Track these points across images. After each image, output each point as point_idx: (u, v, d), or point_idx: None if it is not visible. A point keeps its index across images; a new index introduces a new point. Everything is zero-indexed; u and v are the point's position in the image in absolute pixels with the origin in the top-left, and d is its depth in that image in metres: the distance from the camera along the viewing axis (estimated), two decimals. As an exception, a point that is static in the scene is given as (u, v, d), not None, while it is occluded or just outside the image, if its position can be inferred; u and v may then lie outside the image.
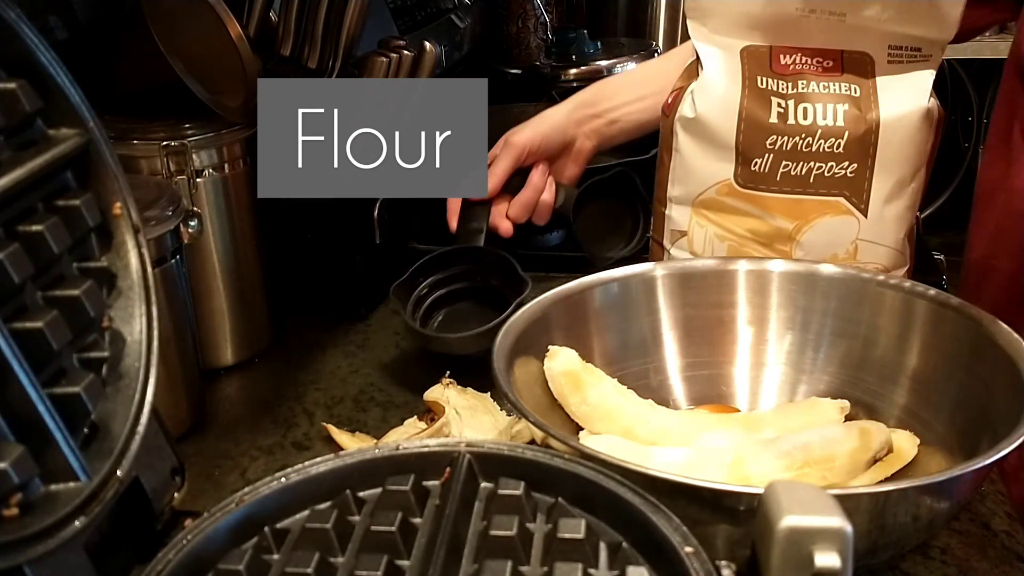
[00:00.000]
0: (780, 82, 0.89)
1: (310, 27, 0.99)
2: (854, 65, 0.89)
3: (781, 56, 0.89)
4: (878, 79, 0.88)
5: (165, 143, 0.88)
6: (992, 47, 2.17)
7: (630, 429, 0.76)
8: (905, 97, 0.88)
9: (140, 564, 0.52)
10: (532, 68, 1.77)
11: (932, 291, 0.80)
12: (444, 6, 1.60)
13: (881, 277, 0.83)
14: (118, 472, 0.53)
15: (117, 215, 0.58)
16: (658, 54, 1.93)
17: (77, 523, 0.49)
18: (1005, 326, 0.72)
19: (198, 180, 0.91)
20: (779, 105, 0.88)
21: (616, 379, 0.81)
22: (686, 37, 0.96)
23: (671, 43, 2.06)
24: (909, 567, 0.68)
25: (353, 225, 1.07)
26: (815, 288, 0.84)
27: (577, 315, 0.83)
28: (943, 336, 0.77)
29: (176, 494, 0.61)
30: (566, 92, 1.78)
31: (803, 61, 0.89)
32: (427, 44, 1.04)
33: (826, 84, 0.88)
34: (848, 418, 0.78)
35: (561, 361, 0.77)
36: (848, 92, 0.88)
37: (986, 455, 0.60)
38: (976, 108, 2.45)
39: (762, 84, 0.89)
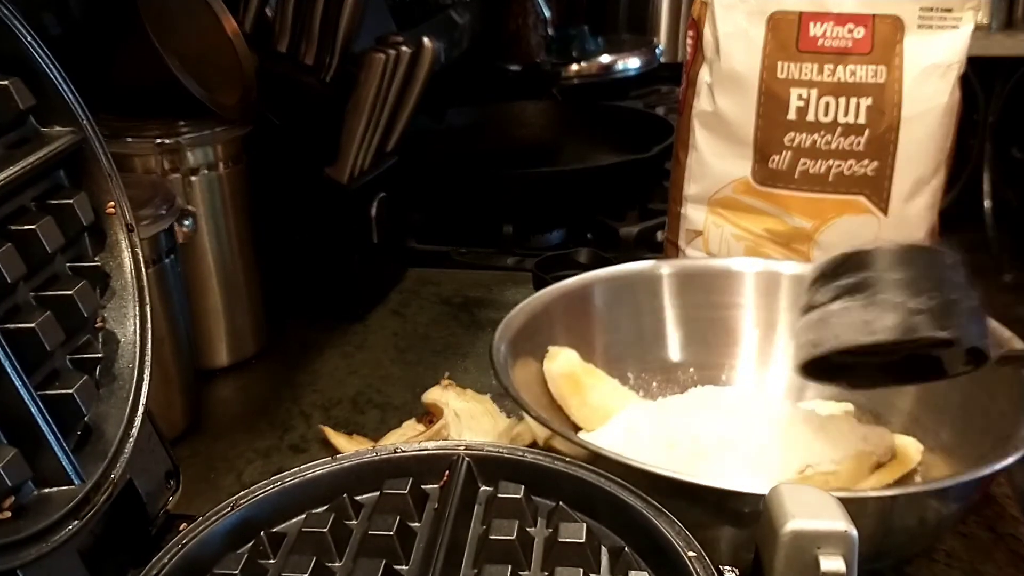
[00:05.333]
0: (804, 67, 0.88)
1: (306, 23, 0.98)
2: (884, 34, 0.87)
3: (811, 24, 0.88)
4: (906, 60, 0.87)
5: (159, 141, 0.88)
6: (999, 44, 2.16)
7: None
8: (929, 88, 0.87)
9: (135, 568, 0.51)
10: (533, 65, 1.76)
11: None
12: (443, 2, 1.59)
13: None
14: (112, 475, 0.52)
15: (111, 214, 0.57)
16: (660, 51, 1.93)
17: (70, 527, 0.48)
18: (1009, 332, 0.72)
19: (193, 179, 0.90)
20: (799, 98, 0.88)
21: (617, 378, 0.80)
22: (688, 33, 0.96)
23: (673, 40, 2.06)
24: (914, 571, 0.68)
25: (350, 224, 1.06)
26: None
27: (578, 312, 0.82)
28: (948, 341, 0.76)
29: (171, 497, 0.60)
30: (567, 89, 1.78)
31: (834, 32, 0.88)
32: (426, 40, 1.04)
33: (852, 69, 0.87)
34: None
35: (561, 362, 0.77)
36: (874, 78, 0.87)
37: (996, 461, 0.60)
38: (982, 105, 2.45)
39: (783, 73, 0.88)
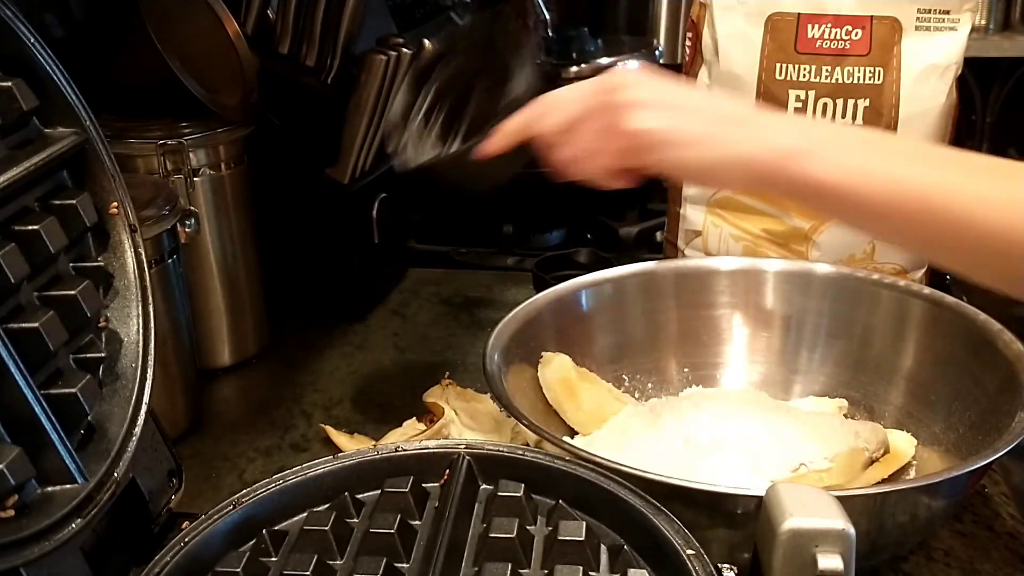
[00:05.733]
0: (802, 68, 0.88)
1: (308, 25, 0.98)
2: (882, 36, 0.88)
3: (809, 26, 0.88)
4: (904, 61, 0.87)
5: (162, 142, 0.88)
6: (996, 45, 2.16)
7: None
8: (926, 89, 0.87)
9: (137, 567, 0.52)
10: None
11: (927, 290, 0.80)
12: (443, 3, 1.59)
13: (876, 276, 0.83)
14: (115, 474, 0.53)
15: (114, 214, 0.57)
16: (660, 52, 1.92)
17: (74, 525, 0.49)
18: (999, 325, 0.72)
19: (195, 179, 0.90)
20: (797, 99, 0.88)
21: (611, 380, 0.80)
22: (687, 35, 0.96)
23: (672, 41, 2.05)
24: (912, 569, 0.68)
25: (351, 224, 1.06)
26: (810, 288, 0.84)
27: (571, 316, 0.82)
28: (938, 335, 0.77)
29: (173, 496, 0.61)
30: (566, 91, 1.78)
31: (832, 34, 0.88)
32: (426, 42, 1.04)
33: (850, 70, 0.88)
34: (845, 418, 0.78)
35: (555, 368, 0.77)
36: (872, 80, 0.87)
37: (982, 455, 0.60)
38: (979, 106, 2.45)
39: (781, 75, 0.88)
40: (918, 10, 0.88)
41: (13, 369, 0.47)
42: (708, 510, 0.58)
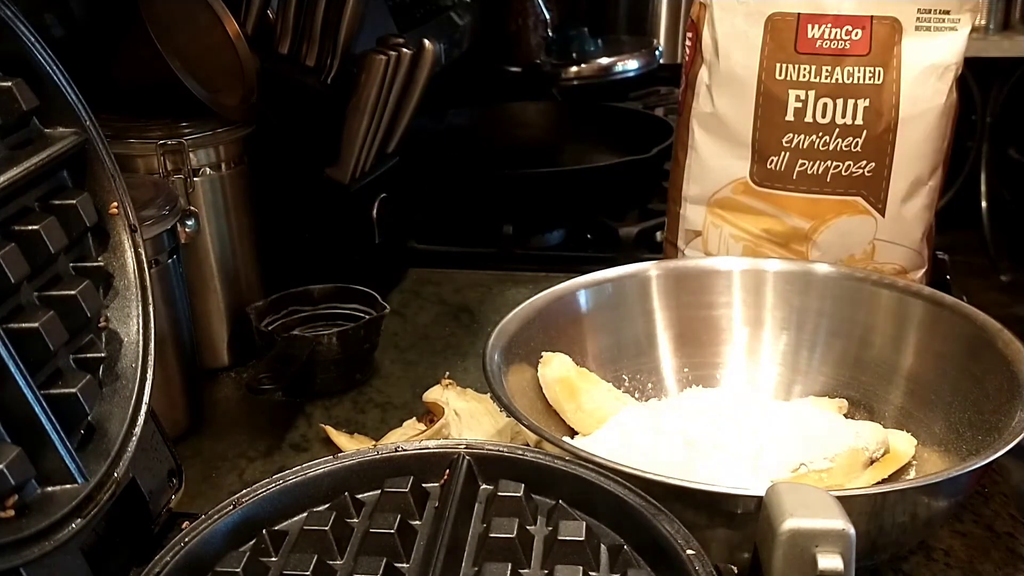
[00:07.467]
0: (802, 68, 0.88)
1: (308, 25, 0.98)
2: (882, 36, 0.88)
3: (809, 26, 0.88)
4: (904, 62, 0.87)
5: (162, 142, 0.88)
6: (996, 45, 2.17)
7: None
8: (926, 89, 0.87)
9: (137, 567, 0.52)
10: (533, 66, 1.77)
11: (927, 290, 0.80)
12: (443, 3, 1.59)
13: (875, 276, 0.83)
14: (115, 474, 0.53)
15: (114, 214, 0.57)
16: (659, 52, 1.93)
17: (74, 525, 0.49)
18: (999, 325, 0.72)
19: (195, 179, 0.90)
20: (797, 99, 0.88)
21: (611, 381, 0.80)
22: (687, 35, 0.96)
23: (672, 41, 2.06)
24: (912, 569, 0.68)
25: (352, 224, 1.06)
26: (810, 288, 0.84)
27: (570, 316, 0.82)
28: (938, 335, 0.77)
29: (173, 496, 0.61)
30: (567, 90, 1.79)
31: (831, 34, 0.88)
32: (426, 42, 1.04)
33: (850, 70, 0.88)
34: (845, 418, 0.78)
35: (555, 368, 0.77)
36: (872, 80, 0.87)
37: (982, 456, 0.60)
38: (979, 106, 2.44)
39: (781, 75, 0.88)
40: (918, 10, 0.88)
41: (13, 369, 0.47)
42: (708, 510, 0.58)
